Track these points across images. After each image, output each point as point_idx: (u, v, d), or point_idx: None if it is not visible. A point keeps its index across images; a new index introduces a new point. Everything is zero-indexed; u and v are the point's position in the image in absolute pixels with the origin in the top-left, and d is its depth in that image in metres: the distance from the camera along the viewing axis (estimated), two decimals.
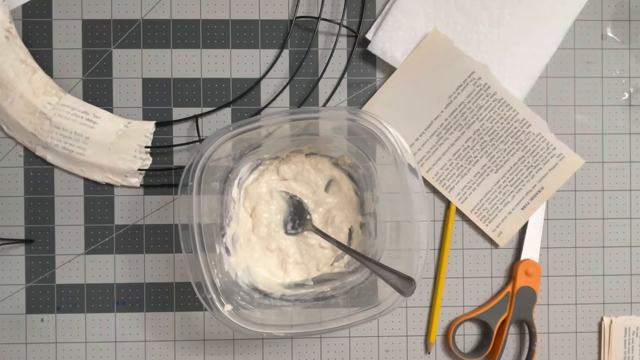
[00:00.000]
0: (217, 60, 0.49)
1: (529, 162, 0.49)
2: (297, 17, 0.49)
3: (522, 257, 0.50)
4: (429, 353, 0.50)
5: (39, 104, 0.47)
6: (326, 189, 0.49)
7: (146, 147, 0.48)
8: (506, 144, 0.49)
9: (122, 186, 0.49)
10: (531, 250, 0.50)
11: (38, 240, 0.49)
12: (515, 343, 0.51)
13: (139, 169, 0.48)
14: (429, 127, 0.49)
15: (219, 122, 0.50)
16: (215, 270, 0.42)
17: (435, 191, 0.50)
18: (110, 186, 0.49)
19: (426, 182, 0.50)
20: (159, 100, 0.49)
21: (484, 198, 0.50)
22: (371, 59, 0.50)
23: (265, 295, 0.47)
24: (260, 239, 0.48)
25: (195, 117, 0.49)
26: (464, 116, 0.49)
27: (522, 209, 0.50)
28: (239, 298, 0.44)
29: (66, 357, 0.49)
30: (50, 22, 0.49)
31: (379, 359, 0.50)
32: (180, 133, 0.50)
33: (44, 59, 0.49)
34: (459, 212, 0.50)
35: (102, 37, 0.49)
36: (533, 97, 0.50)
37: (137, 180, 0.49)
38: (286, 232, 0.49)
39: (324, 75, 0.49)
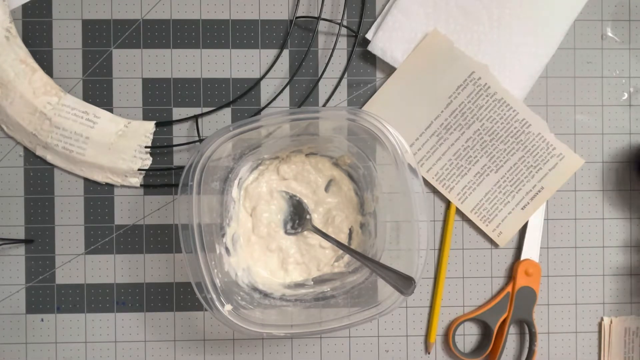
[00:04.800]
0: (217, 60, 0.49)
1: (529, 162, 0.49)
2: (297, 17, 0.49)
3: (522, 257, 0.50)
4: (429, 353, 0.50)
5: (39, 104, 0.47)
6: (326, 189, 0.49)
7: (146, 147, 0.48)
8: (506, 144, 0.49)
9: (122, 186, 0.49)
10: (531, 250, 0.50)
11: (38, 240, 0.49)
12: (515, 343, 0.51)
13: (139, 169, 0.48)
14: (429, 127, 0.49)
15: (219, 122, 0.50)
16: (215, 270, 0.42)
17: (435, 191, 0.50)
18: (110, 186, 0.49)
19: (426, 182, 0.50)
20: (159, 100, 0.49)
21: (484, 198, 0.50)
22: (371, 59, 0.50)
23: (265, 295, 0.47)
24: (260, 238, 0.48)
25: (195, 117, 0.49)
26: (464, 116, 0.49)
27: (522, 209, 0.50)
28: (239, 298, 0.44)
29: (66, 357, 0.49)
30: (50, 22, 0.49)
31: (379, 359, 0.50)
32: (180, 133, 0.50)
33: (44, 59, 0.49)
34: (459, 212, 0.50)
35: (102, 37, 0.49)
36: (533, 97, 0.50)
37: (137, 180, 0.49)
38: (286, 232, 0.49)
39: (324, 75, 0.49)
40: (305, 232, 0.48)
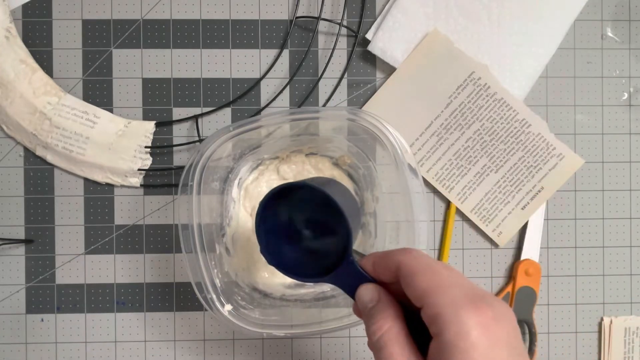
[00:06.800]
0: (217, 60, 0.49)
1: (529, 162, 0.49)
2: (297, 17, 0.49)
3: (522, 257, 0.50)
4: None
5: (39, 104, 0.47)
6: None
7: (146, 147, 0.48)
8: (506, 144, 0.49)
9: (122, 186, 0.49)
10: (531, 250, 0.50)
11: (38, 240, 0.49)
12: None
13: (139, 169, 0.48)
14: (429, 127, 0.49)
15: (219, 122, 0.50)
16: (215, 270, 0.42)
17: (435, 191, 0.50)
18: (110, 186, 0.49)
19: (426, 182, 0.50)
20: (159, 100, 0.49)
21: (484, 198, 0.50)
22: (371, 59, 0.50)
23: (265, 295, 0.47)
24: None
25: (195, 117, 0.49)
26: (464, 116, 0.49)
27: (522, 209, 0.50)
28: (239, 298, 0.44)
29: (66, 357, 0.49)
30: (50, 22, 0.49)
31: None
32: (180, 133, 0.50)
33: (44, 59, 0.49)
34: (459, 212, 0.50)
35: (102, 37, 0.49)
36: (533, 97, 0.50)
37: (137, 180, 0.49)
38: None
39: (324, 75, 0.49)
40: None
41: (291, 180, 0.49)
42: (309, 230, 0.35)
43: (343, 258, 0.32)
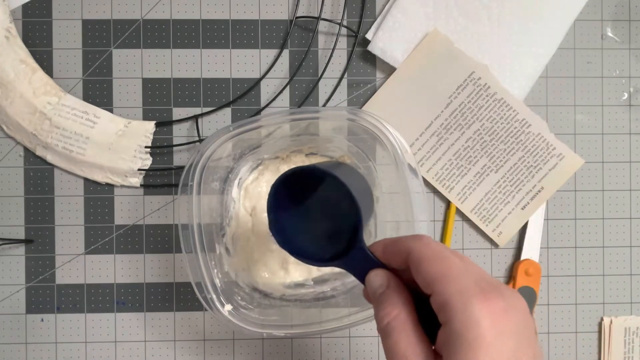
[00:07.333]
0: (217, 60, 0.49)
1: (529, 162, 0.49)
2: (297, 17, 0.49)
3: (522, 257, 0.50)
4: None
5: (39, 104, 0.47)
6: None
7: (146, 147, 0.48)
8: (506, 144, 0.49)
9: (122, 186, 0.49)
10: (531, 250, 0.50)
11: (38, 240, 0.49)
12: None
13: (139, 169, 0.48)
14: (429, 127, 0.49)
15: (219, 122, 0.50)
16: (215, 270, 0.42)
17: (435, 191, 0.50)
18: (110, 186, 0.49)
19: (426, 182, 0.50)
20: (159, 100, 0.49)
21: (484, 198, 0.50)
22: (371, 59, 0.50)
23: (266, 295, 0.47)
24: (260, 238, 0.48)
25: (195, 117, 0.49)
26: (464, 116, 0.49)
27: (522, 209, 0.50)
28: (239, 298, 0.44)
29: (66, 357, 0.49)
30: (50, 22, 0.49)
31: (379, 359, 0.50)
32: (180, 133, 0.50)
33: (44, 59, 0.49)
34: (459, 212, 0.50)
35: (102, 37, 0.49)
36: (533, 97, 0.50)
37: (137, 180, 0.49)
38: None
39: (324, 75, 0.49)
40: None
41: None
42: (320, 214, 0.35)
43: (354, 243, 0.32)
